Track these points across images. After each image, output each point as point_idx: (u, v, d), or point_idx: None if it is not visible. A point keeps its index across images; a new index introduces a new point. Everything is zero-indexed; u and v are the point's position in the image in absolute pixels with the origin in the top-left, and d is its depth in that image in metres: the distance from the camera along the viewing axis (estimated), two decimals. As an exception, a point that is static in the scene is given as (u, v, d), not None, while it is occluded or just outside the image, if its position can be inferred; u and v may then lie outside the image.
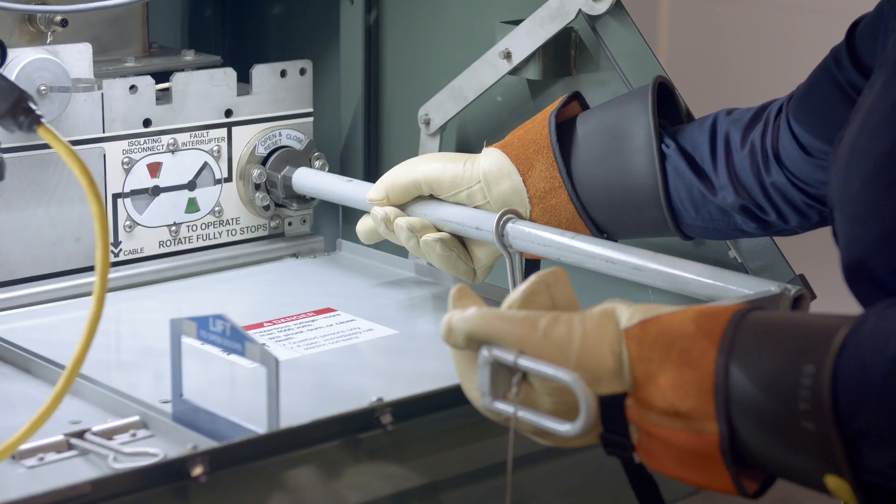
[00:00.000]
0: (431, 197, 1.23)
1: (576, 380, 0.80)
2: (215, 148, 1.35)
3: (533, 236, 1.16)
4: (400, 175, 1.23)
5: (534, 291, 0.85)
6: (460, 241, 1.23)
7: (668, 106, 1.17)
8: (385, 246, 1.43)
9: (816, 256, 1.13)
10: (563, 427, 0.81)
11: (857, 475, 0.74)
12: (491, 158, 1.20)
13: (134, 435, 0.98)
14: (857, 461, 0.74)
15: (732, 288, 1.05)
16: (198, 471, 0.83)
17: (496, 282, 1.29)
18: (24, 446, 0.94)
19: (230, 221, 1.37)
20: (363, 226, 1.28)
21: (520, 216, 1.19)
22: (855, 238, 0.83)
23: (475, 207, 1.21)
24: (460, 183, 1.21)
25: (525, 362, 0.81)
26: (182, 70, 1.34)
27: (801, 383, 0.74)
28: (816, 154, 1.06)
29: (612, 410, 0.81)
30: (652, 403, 0.80)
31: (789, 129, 1.09)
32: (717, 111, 1.14)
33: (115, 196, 1.30)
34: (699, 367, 0.78)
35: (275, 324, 1.21)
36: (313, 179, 1.35)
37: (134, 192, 1.31)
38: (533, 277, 0.86)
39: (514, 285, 1.18)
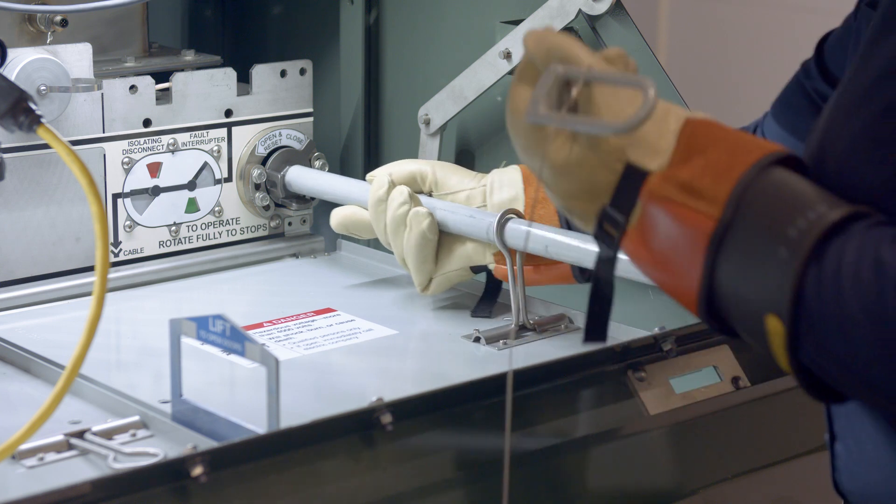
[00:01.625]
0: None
1: (647, 83, 0.79)
2: (215, 148, 1.35)
3: (534, 235, 1.16)
4: (407, 163, 1.25)
5: (612, 56, 0.85)
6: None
7: None
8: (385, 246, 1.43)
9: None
10: (610, 123, 0.80)
11: (794, 327, 0.75)
12: (505, 169, 1.22)
13: (134, 435, 0.98)
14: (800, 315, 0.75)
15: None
16: (198, 471, 0.83)
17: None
18: (24, 446, 0.94)
19: (230, 221, 1.37)
20: (339, 213, 1.28)
21: (521, 216, 1.19)
22: None
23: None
24: (464, 185, 1.22)
25: (596, 71, 0.81)
26: (182, 70, 1.34)
27: (806, 215, 0.75)
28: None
29: (631, 181, 0.81)
30: (676, 177, 0.80)
31: (771, 131, 1.12)
32: None
33: (115, 196, 1.30)
34: (738, 158, 0.79)
35: (275, 324, 1.21)
36: (307, 177, 1.36)
37: (134, 192, 1.31)
38: (613, 48, 0.86)
39: (514, 286, 1.18)
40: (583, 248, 1.13)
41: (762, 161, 0.79)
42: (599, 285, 0.85)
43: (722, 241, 0.78)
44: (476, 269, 1.23)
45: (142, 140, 1.30)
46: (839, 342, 0.74)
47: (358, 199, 1.31)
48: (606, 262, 0.84)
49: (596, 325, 0.86)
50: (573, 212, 0.85)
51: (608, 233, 0.83)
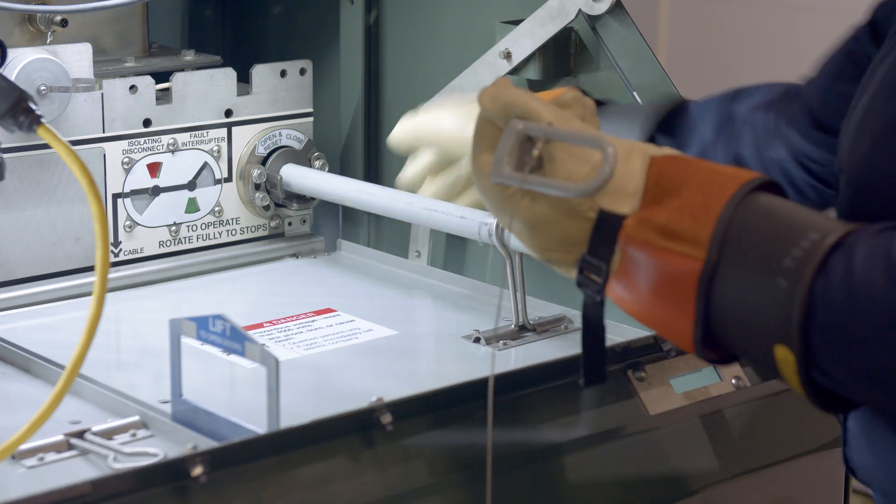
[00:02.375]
0: None
1: (606, 142, 0.80)
2: (215, 148, 1.35)
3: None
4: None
5: (567, 100, 0.85)
6: None
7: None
8: (385, 246, 1.43)
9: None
10: (573, 186, 0.81)
11: (806, 351, 0.75)
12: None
13: (134, 435, 0.98)
14: (809, 339, 0.75)
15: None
16: (198, 471, 0.83)
17: (497, 282, 1.29)
18: (24, 446, 0.94)
19: (230, 221, 1.37)
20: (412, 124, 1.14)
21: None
22: (860, 203, 0.84)
23: None
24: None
25: (555, 130, 0.82)
26: (182, 70, 1.34)
27: (800, 244, 0.75)
28: (825, 129, 1.06)
29: (606, 228, 0.81)
30: (652, 221, 0.80)
31: (800, 105, 1.08)
32: (717, 94, 1.13)
33: (115, 196, 1.30)
34: (713, 196, 0.79)
35: (275, 324, 1.21)
36: (303, 176, 1.36)
37: (134, 192, 1.31)
38: (568, 89, 0.87)
39: (514, 288, 1.18)
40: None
41: (738, 193, 0.79)
42: (590, 329, 0.86)
43: (712, 280, 0.78)
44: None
45: (142, 140, 1.30)
46: (854, 350, 0.74)
47: (355, 198, 1.31)
48: (593, 306, 0.84)
49: (594, 368, 0.88)
50: (552, 262, 0.85)
51: (591, 279, 0.83)
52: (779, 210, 0.78)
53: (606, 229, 0.81)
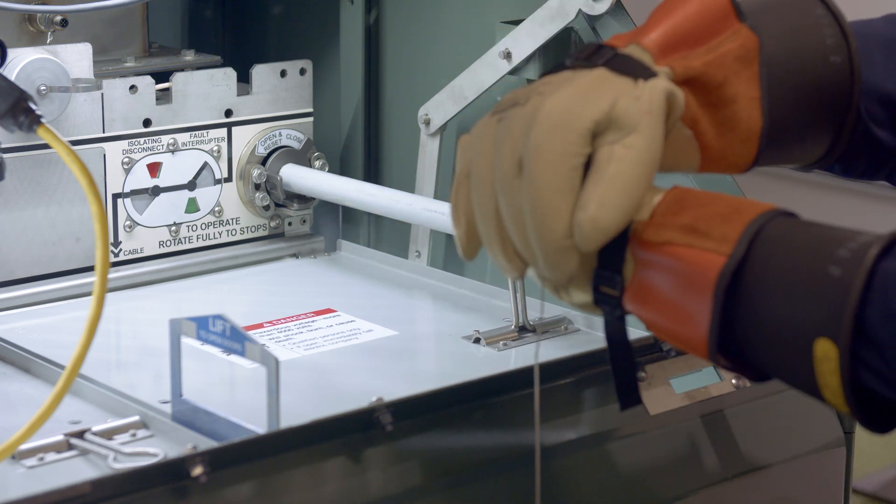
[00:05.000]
0: None
1: None
2: (215, 148, 1.35)
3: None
4: None
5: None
6: None
7: None
8: (385, 246, 1.43)
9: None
10: None
11: (856, 345, 0.70)
12: None
13: (134, 435, 0.98)
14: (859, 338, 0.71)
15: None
16: (198, 471, 0.83)
17: (497, 282, 1.29)
18: (24, 446, 0.93)
19: (230, 221, 1.37)
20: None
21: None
22: None
23: None
24: None
25: None
26: (182, 70, 1.34)
27: (856, 239, 0.72)
28: None
29: (613, 241, 0.78)
30: (674, 221, 0.76)
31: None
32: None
33: (115, 196, 1.30)
34: (746, 206, 0.75)
35: (275, 324, 1.21)
36: (301, 176, 1.36)
37: (134, 192, 1.31)
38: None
39: (514, 288, 1.18)
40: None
41: (771, 211, 0.75)
42: (616, 349, 0.82)
43: (738, 276, 0.74)
44: None
45: (142, 140, 1.30)
46: None
47: (355, 198, 1.31)
48: (615, 324, 0.81)
49: (627, 390, 0.84)
50: (568, 291, 0.82)
51: (608, 294, 0.80)
52: (820, 225, 0.74)
53: (615, 239, 0.78)
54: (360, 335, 1.19)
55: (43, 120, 1.00)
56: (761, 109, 0.85)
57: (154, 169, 1.31)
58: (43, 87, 1.21)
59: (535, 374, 0.88)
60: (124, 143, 1.29)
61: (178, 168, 1.33)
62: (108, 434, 0.98)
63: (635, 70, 0.80)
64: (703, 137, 0.84)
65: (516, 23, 1.27)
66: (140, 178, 1.31)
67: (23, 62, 1.20)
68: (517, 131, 0.79)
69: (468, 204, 0.82)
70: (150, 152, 1.31)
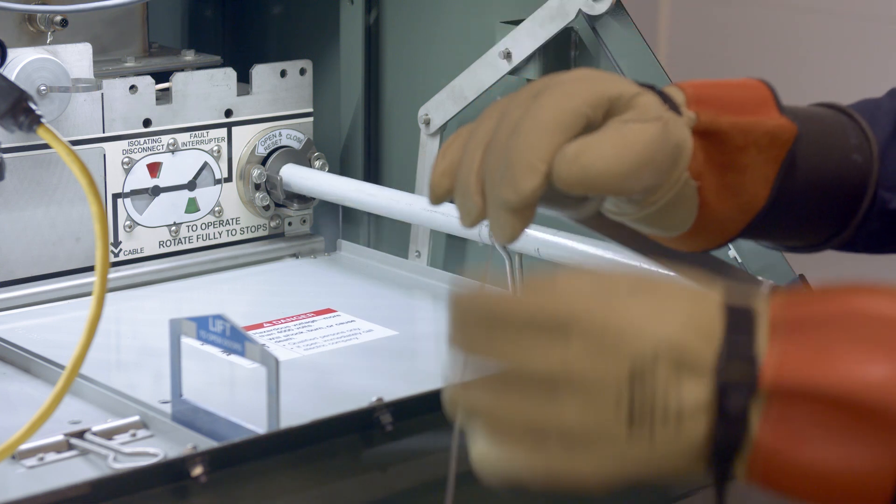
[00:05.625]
0: None
1: None
2: (215, 148, 1.35)
3: (529, 237, 1.16)
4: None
5: None
6: None
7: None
8: (385, 246, 1.43)
9: (816, 259, 1.13)
10: None
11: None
12: None
13: (134, 435, 0.98)
14: None
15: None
16: (198, 471, 0.83)
17: (497, 283, 1.29)
18: (24, 446, 0.93)
19: (230, 221, 1.37)
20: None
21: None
22: None
23: None
24: None
25: None
26: (182, 70, 1.34)
27: None
28: None
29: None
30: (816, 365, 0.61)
31: None
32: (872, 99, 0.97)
33: (115, 196, 1.30)
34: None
35: (275, 324, 1.21)
36: (301, 176, 1.36)
37: (134, 192, 1.31)
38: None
39: (515, 290, 1.18)
40: (584, 251, 1.13)
41: None
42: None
43: None
44: None
45: (142, 140, 1.30)
46: None
47: (355, 198, 1.31)
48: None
49: None
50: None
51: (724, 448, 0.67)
52: None
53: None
54: (360, 335, 1.19)
55: (43, 120, 1.00)
56: (770, 190, 0.83)
57: (154, 169, 1.31)
58: (43, 87, 1.21)
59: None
60: (124, 143, 1.29)
61: (178, 168, 1.33)
62: (108, 434, 0.98)
63: (666, 100, 0.80)
64: (704, 193, 0.82)
65: (516, 23, 1.27)
66: (140, 178, 1.31)
67: (23, 62, 1.20)
68: (536, 85, 0.77)
69: (459, 147, 0.77)
70: (150, 152, 1.31)
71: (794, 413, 0.62)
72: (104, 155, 1.28)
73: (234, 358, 1.09)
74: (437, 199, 0.78)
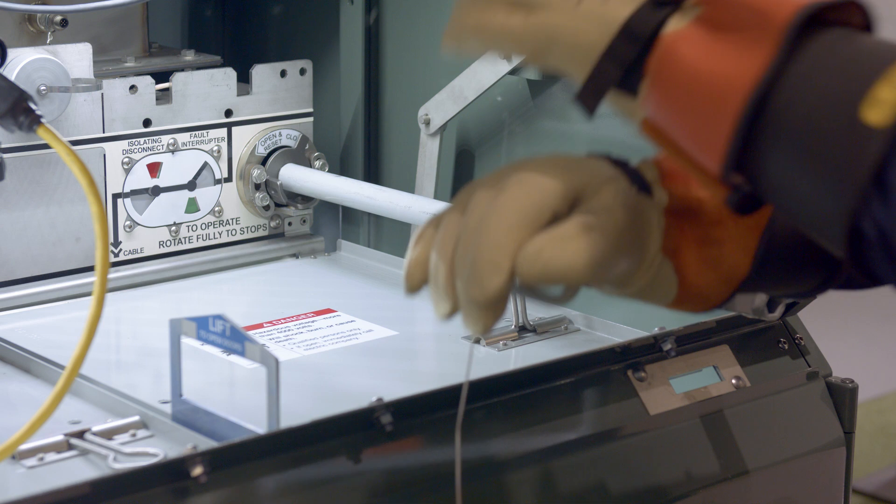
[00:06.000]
0: None
1: None
2: (215, 148, 1.35)
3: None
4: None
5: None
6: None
7: None
8: (385, 246, 1.43)
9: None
10: None
11: None
12: None
13: (134, 435, 0.98)
14: None
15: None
16: (198, 471, 0.83)
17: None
18: (24, 446, 0.94)
19: (230, 221, 1.37)
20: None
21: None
22: None
23: None
24: None
25: None
26: (182, 70, 1.34)
27: None
28: None
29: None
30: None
31: None
32: None
33: (115, 196, 1.30)
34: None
35: (275, 324, 1.21)
36: (300, 176, 1.36)
37: (134, 192, 1.31)
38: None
39: (514, 289, 1.18)
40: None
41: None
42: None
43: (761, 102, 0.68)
44: None
45: (142, 140, 1.30)
46: None
47: (355, 199, 1.31)
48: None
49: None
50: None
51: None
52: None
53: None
54: (360, 335, 1.19)
55: (43, 120, 1.00)
56: (752, 259, 0.81)
57: (154, 169, 1.31)
58: (43, 87, 1.21)
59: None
60: (124, 143, 1.29)
61: (178, 168, 1.33)
62: (108, 434, 0.98)
63: (637, 180, 0.79)
64: (683, 270, 0.81)
65: (516, 23, 1.27)
66: (140, 178, 1.31)
67: (23, 62, 1.20)
68: (505, 171, 0.78)
69: (430, 237, 0.80)
70: (150, 152, 1.31)
71: (701, 20, 0.71)
72: (104, 155, 1.28)
73: (234, 358, 1.09)
74: (411, 290, 0.81)
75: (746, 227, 0.80)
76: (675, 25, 0.72)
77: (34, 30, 1.28)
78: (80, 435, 0.97)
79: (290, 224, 1.41)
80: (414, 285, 0.81)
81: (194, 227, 1.35)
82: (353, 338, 1.18)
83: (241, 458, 0.86)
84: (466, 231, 0.77)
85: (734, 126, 0.69)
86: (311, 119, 1.40)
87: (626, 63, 0.73)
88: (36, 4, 1.25)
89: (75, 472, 0.93)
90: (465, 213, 0.78)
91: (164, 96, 1.32)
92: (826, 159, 0.67)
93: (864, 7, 0.71)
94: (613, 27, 0.73)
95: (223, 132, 1.35)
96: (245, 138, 1.37)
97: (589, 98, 0.75)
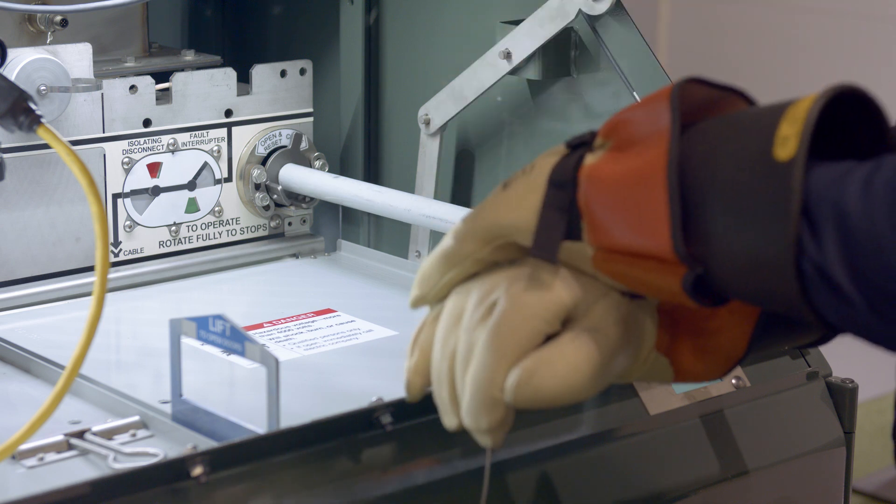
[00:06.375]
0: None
1: None
2: (215, 148, 1.35)
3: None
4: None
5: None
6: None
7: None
8: (385, 246, 1.43)
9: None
10: None
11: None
12: None
13: (134, 435, 0.98)
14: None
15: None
16: (198, 471, 0.83)
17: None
18: (24, 446, 0.94)
19: (230, 221, 1.37)
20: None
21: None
22: None
23: None
24: None
25: None
26: (182, 70, 1.34)
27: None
28: None
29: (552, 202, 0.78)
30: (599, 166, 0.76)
31: None
32: None
33: (115, 196, 1.30)
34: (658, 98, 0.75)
35: (275, 324, 1.21)
36: (299, 176, 1.36)
37: (134, 192, 1.31)
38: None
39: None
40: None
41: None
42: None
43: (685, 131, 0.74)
44: None
45: (142, 140, 1.30)
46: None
47: (355, 199, 1.31)
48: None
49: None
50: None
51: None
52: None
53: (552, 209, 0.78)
54: (360, 335, 1.19)
55: (43, 120, 1.00)
56: (748, 342, 0.81)
57: (154, 169, 1.31)
58: (43, 87, 1.21)
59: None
60: (124, 143, 1.29)
61: (178, 168, 1.33)
62: (108, 434, 0.98)
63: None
64: (679, 361, 0.82)
65: (516, 23, 1.27)
66: (140, 178, 1.31)
67: (23, 62, 1.20)
68: (502, 280, 0.80)
69: (427, 341, 0.84)
70: (150, 152, 1.31)
71: (611, 150, 0.77)
72: (104, 155, 1.28)
73: (234, 358, 1.09)
74: (413, 398, 0.86)
75: (742, 314, 0.80)
76: (591, 160, 0.77)
77: (34, 30, 1.28)
78: (80, 435, 0.97)
79: (290, 224, 1.41)
80: (414, 394, 0.85)
81: (194, 227, 1.35)
82: (353, 338, 1.18)
83: (241, 458, 0.86)
84: (461, 356, 0.80)
85: (665, 195, 0.72)
86: (311, 119, 1.40)
87: (563, 206, 0.77)
88: (36, 4, 1.25)
89: (75, 472, 0.93)
90: (458, 326, 0.81)
91: (164, 96, 1.32)
92: (757, 205, 0.70)
93: (743, 93, 0.77)
94: (543, 185, 0.78)
95: (223, 132, 1.35)
96: (245, 138, 1.37)
97: (545, 249, 0.78)
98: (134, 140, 1.30)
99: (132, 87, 1.29)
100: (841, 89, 0.71)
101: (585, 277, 0.79)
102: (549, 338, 0.78)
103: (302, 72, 1.39)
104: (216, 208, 1.36)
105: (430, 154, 1.36)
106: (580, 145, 0.79)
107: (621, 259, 0.76)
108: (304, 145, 1.39)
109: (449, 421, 0.83)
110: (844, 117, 0.73)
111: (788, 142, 0.70)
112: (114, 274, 1.29)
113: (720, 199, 0.72)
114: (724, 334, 0.81)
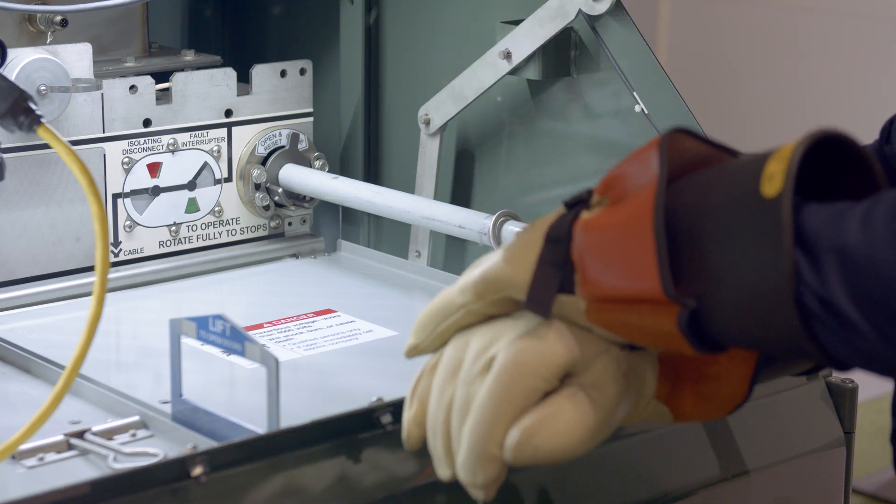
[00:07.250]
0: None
1: None
2: (215, 148, 1.35)
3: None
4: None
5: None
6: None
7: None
8: (385, 246, 1.43)
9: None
10: None
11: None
12: None
13: (134, 435, 0.98)
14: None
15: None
16: (198, 471, 0.83)
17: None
18: (24, 446, 0.94)
19: (230, 221, 1.37)
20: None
21: (516, 218, 1.19)
22: None
23: None
24: None
25: None
26: (182, 70, 1.34)
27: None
28: None
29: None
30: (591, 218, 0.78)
31: None
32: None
33: (115, 196, 1.30)
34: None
35: (275, 325, 1.21)
36: (304, 176, 1.36)
37: (134, 192, 1.31)
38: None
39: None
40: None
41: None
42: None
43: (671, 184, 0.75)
44: None
45: (142, 140, 1.30)
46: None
47: (354, 199, 1.31)
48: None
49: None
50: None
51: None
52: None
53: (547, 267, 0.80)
54: (360, 335, 1.19)
55: (43, 120, 1.00)
56: (749, 386, 0.81)
57: (154, 169, 1.31)
58: (43, 87, 1.21)
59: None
60: (124, 143, 1.29)
61: (178, 168, 1.33)
62: (108, 434, 0.98)
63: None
64: (679, 407, 0.83)
65: (516, 23, 1.27)
66: (140, 178, 1.31)
67: (23, 62, 1.20)
68: (501, 333, 0.81)
69: (426, 391, 0.84)
70: (150, 152, 1.31)
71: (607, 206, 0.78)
72: (104, 155, 1.28)
73: (234, 358, 1.09)
74: (412, 448, 0.85)
75: (742, 359, 0.80)
76: (587, 216, 0.78)
77: (34, 30, 1.28)
78: (80, 435, 0.97)
79: (290, 224, 1.41)
80: (413, 444, 0.85)
81: (194, 227, 1.35)
82: (353, 338, 1.19)
83: (241, 458, 0.86)
84: (458, 408, 0.81)
85: (652, 235, 0.73)
86: (311, 119, 1.40)
87: (557, 262, 0.78)
88: (36, 4, 1.25)
89: (75, 472, 0.93)
90: (456, 377, 0.82)
91: (164, 96, 1.32)
92: (749, 240, 0.71)
93: (732, 150, 0.78)
94: (539, 242, 0.79)
95: (223, 132, 1.35)
96: (245, 138, 1.37)
97: (538, 304, 0.78)
98: (134, 140, 1.30)
99: (132, 87, 1.29)
100: (825, 133, 0.72)
101: (586, 333, 0.79)
102: (548, 393, 0.79)
103: (302, 72, 1.39)
104: (216, 208, 1.36)
105: (430, 154, 1.36)
106: (577, 203, 0.80)
107: (614, 307, 0.76)
108: (303, 145, 1.39)
109: (443, 472, 0.83)
110: (831, 164, 0.74)
111: (775, 177, 0.71)
112: (114, 274, 1.29)
113: (712, 237, 0.73)
114: (724, 380, 0.81)
